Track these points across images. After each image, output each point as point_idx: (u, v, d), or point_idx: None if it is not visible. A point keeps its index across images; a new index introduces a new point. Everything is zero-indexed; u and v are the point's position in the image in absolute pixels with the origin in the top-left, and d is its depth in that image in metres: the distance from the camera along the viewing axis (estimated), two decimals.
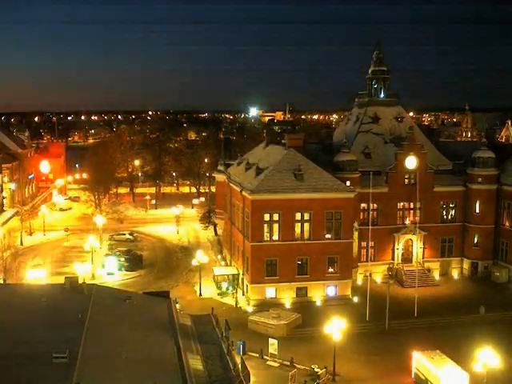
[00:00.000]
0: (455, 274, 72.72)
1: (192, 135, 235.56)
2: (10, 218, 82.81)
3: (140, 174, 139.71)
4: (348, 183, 65.58)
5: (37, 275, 60.20)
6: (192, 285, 69.79)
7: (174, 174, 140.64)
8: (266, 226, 62.88)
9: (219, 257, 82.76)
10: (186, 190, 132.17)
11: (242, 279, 66.57)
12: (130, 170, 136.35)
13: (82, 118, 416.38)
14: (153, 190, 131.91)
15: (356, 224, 65.02)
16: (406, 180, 70.52)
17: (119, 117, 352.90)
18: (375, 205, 68.55)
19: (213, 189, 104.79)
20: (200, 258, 68.60)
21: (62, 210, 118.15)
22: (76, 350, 29.57)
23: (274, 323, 55.49)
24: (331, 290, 63.87)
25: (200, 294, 66.25)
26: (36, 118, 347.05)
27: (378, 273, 68.60)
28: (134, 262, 75.87)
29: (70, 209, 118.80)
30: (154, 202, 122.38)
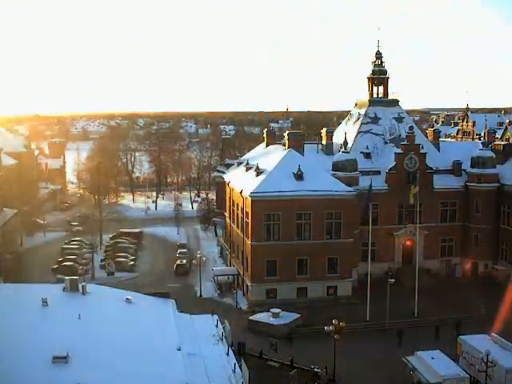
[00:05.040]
0: (455, 273, 72.68)
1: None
2: (10, 218, 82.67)
3: (140, 175, 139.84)
4: (347, 183, 65.59)
5: None
6: (192, 285, 69.82)
7: (174, 174, 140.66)
8: (266, 226, 62.91)
9: (219, 257, 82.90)
10: (186, 190, 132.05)
11: (243, 279, 66.59)
12: (130, 170, 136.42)
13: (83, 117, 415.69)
14: (153, 190, 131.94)
15: None
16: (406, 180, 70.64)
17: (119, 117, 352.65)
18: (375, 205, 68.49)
19: (213, 189, 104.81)
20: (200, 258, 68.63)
21: (61, 210, 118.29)
22: (76, 350, 29.62)
23: (274, 323, 55.52)
24: (331, 290, 63.92)
25: (200, 295, 66.29)
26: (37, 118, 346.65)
27: (379, 273, 68.43)
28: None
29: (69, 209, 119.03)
30: (154, 202, 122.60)
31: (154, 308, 40.68)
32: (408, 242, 70.75)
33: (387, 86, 79.14)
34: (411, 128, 73.61)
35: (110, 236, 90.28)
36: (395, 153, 71.59)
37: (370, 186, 59.70)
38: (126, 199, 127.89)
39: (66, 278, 41.50)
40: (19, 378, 27.10)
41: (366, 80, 79.50)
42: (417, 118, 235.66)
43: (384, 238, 69.83)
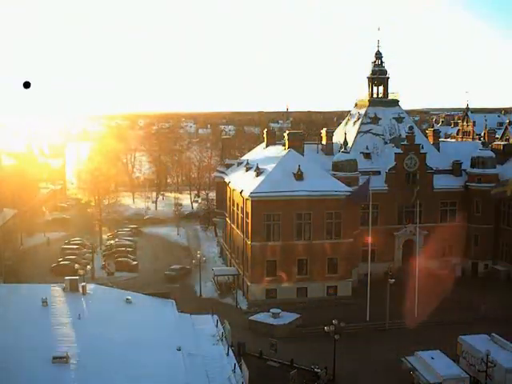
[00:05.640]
0: (455, 273, 72.68)
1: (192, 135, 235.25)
2: (10, 218, 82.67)
3: (140, 175, 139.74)
4: (347, 183, 65.57)
5: None
6: (192, 285, 69.79)
7: (174, 174, 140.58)
8: (266, 226, 62.91)
9: (219, 257, 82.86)
10: (186, 190, 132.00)
11: (243, 279, 66.57)
12: (130, 171, 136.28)
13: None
14: (153, 190, 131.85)
15: None
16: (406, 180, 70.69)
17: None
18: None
19: (213, 189, 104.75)
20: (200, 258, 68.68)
21: (61, 210, 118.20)
22: (76, 350, 29.61)
23: (274, 323, 55.51)
24: (331, 290, 63.91)
25: (200, 295, 66.27)
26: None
27: (379, 273, 68.42)
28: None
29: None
30: (154, 202, 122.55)
31: (154, 308, 40.67)
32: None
33: (387, 86, 79.16)
34: (411, 128, 73.61)
35: (108, 235, 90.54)
36: (395, 153, 71.59)
37: (368, 182, 59.47)
38: (126, 199, 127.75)
39: (66, 277, 41.44)
40: (19, 378, 27.09)
41: (366, 80, 79.52)
42: (417, 118, 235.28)
43: (384, 238, 69.72)
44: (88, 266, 72.78)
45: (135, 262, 77.36)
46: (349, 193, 63.52)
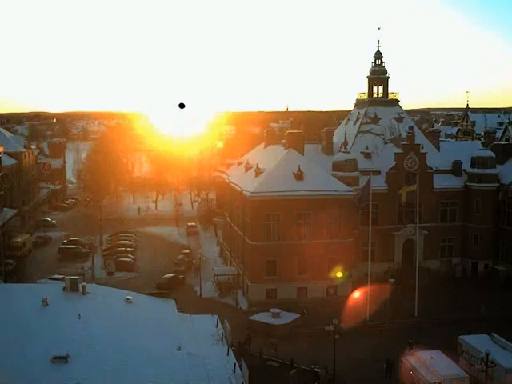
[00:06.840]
0: (455, 273, 72.72)
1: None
2: (10, 218, 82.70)
3: (140, 175, 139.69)
4: (347, 183, 65.57)
5: None
6: (192, 285, 69.79)
7: (173, 174, 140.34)
8: (266, 226, 62.89)
9: (219, 257, 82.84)
10: (186, 190, 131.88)
11: (243, 279, 66.57)
12: (130, 170, 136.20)
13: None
14: (153, 190, 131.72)
15: None
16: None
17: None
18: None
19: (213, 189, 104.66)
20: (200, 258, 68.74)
21: (62, 210, 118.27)
22: (76, 350, 29.61)
23: (274, 323, 55.50)
24: (331, 290, 63.91)
25: (200, 295, 66.27)
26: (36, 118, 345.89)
27: (379, 273, 68.44)
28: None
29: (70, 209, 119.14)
30: (154, 202, 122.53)
31: (154, 308, 40.66)
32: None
33: (387, 86, 79.16)
34: (411, 128, 73.61)
35: (109, 236, 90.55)
36: (395, 153, 71.58)
37: (369, 181, 59.47)
38: (126, 199, 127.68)
39: (66, 277, 41.48)
40: (19, 378, 27.08)
41: (366, 80, 79.53)
42: (417, 118, 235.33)
43: (384, 238, 69.77)
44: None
45: (135, 262, 77.39)
46: (349, 193, 63.59)
